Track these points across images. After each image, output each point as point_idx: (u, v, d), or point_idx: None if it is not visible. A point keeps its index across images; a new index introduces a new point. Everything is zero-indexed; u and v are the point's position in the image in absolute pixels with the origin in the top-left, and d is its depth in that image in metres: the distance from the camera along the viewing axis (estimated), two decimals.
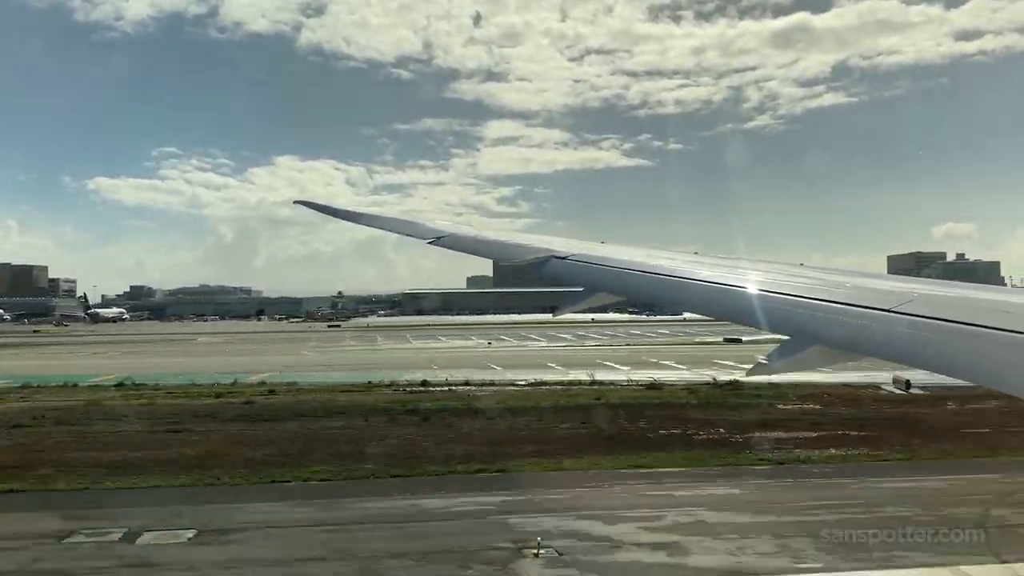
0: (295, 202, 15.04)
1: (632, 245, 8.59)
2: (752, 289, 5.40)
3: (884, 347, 3.88)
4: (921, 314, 3.90)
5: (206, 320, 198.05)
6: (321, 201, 15.04)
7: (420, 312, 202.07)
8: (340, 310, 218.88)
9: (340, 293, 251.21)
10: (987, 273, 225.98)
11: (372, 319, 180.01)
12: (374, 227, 12.29)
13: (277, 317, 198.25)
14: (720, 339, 78.91)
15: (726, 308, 5.51)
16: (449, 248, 10.31)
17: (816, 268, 6.44)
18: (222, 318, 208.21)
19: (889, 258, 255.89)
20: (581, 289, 7.15)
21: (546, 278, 7.68)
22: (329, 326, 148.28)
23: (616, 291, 6.87)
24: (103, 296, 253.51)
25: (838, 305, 4.49)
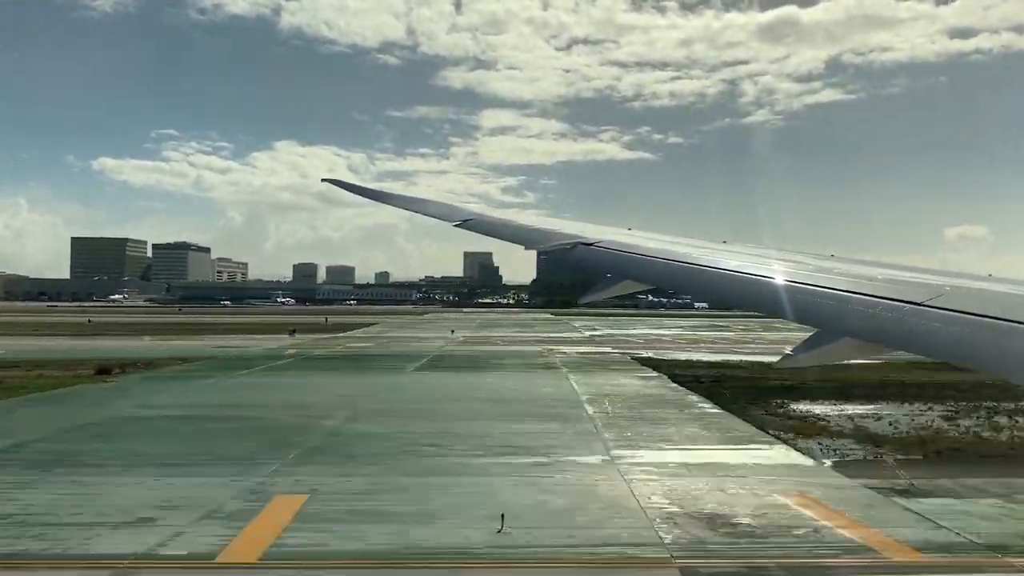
0: (323, 180, 14.63)
1: (660, 232, 8.57)
2: (781, 280, 5.37)
3: (916, 341, 3.88)
4: (954, 308, 3.90)
5: None
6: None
7: None
8: None
9: None
10: None
11: None
12: (406, 208, 11.88)
13: None
14: None
15: (755, 298, 5.48)
16: (475, 231, 10.20)
17: (844, 260, 6.40)
18: None
19: None
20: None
21: (573, 264, 7.68)
22: None
23: (643, 279, 6.89)
24: None
25: (869, 297, 4.49)
